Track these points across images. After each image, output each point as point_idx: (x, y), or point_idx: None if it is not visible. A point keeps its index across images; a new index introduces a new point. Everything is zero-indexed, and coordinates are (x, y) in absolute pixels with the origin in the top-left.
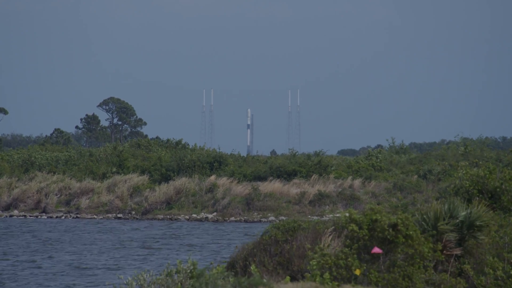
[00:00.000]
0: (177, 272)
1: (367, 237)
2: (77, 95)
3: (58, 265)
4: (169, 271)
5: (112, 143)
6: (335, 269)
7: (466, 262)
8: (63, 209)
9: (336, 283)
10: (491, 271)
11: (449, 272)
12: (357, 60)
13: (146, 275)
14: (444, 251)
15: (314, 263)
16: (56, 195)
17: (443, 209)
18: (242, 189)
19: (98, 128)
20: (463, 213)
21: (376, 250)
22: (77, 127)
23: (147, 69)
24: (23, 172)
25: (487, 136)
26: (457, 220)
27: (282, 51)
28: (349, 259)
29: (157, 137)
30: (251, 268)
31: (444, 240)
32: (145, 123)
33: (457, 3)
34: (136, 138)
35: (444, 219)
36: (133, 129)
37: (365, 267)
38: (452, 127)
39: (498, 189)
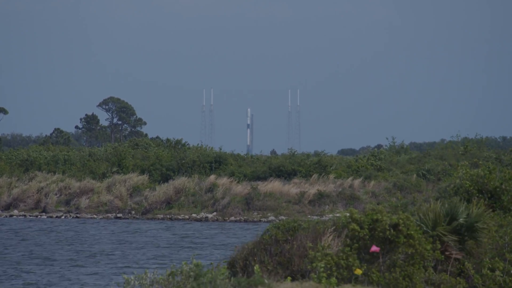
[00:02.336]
0: (180, 272)
1: (367, 237)
2: (77, 95)
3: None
4: (172, 271)
5: (113, 143)
6: (336, 269)
7: (466, 262)
8: (63, 208)
9: (339, 284)
10: (488, 272)
11: (448, 272)
12: (357, 60)
13: (149, 275)
14: (446, 253)
15: (321, 265)
16: (56, 195)
17: (443, 210)
18: (241, 189)
19: (98, 128)
20: (463, 216)
21: (374, 248)
22: (77, 127)
23: (147, 69)
24: (23, 172)
25: (486, 136)
26: (457, 223)
27: (282, 51)
28: (350, 259)
29: (157, 137)
30: (254, 268)
31: (445, 244)
32: (145, 123)
33: (457, 3)
34: (136, 137)
35: (444, 220)
36: (133, 129)
37: (365, 267)
38: (452, 127)
39: (498, 189)
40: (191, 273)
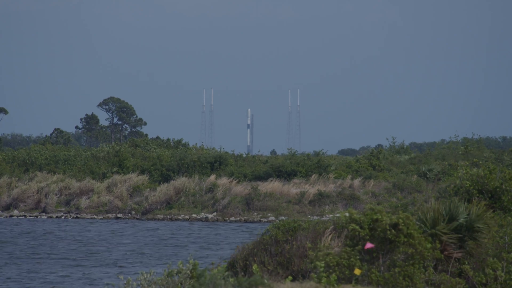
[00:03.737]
0: (178, 272)
1: (368, 237)
2: (77, 95)
3: None
4: (170, 271)
5: (113, 143)
6: (337, 269)
7: (466, 262)
8: (63, 209)
9: (340, 284)
10: (491, 271)
11: (449, 273)
12: (357, 60)
13: (147, 275)
14: (445, 252)
15: (321, 264)
16: (56, 195)
17: (443, 210)
18: (242, 189)
19: (98, 128)
20: (463, 216)
21: (369, 245)
22: (77, 127)
23: (147, 69)
24: (23, 172)
25: (486, 136)
26: (457, 222)
27: (283, 51)
28: (352, 259)
29: (157, 137)
30: (253, 268)
31: (444, 243)
32: (145, 123)
33: (457, 3)
34: (136, 138)
35: (443, 220)
36: (133, 129)
37: (365, 267)
38: (452, 127)
39: (498, 189)
40: (189, 273)
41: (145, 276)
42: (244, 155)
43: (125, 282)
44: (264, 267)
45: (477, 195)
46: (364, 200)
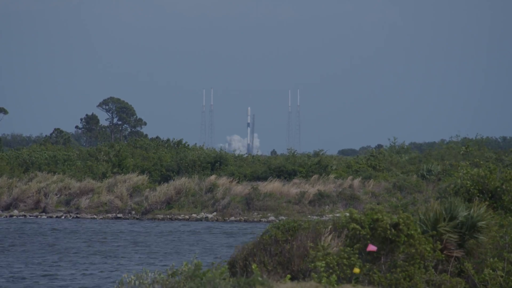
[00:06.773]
0: (180, 272)
1: (368, 237)
2: (77, 95)
3: None
4: (174, 271)
5: (110, 141)
6: (337, 269)
7: (466, 262)
8: (63, 209)
9: (340, 284)
10: (491, 271)
11: (449, 272)
12: (357, 60)
13: (150, 274)
14: (445, 252)
15: (322, 264)
16: (56, 195)
17: (443, 209)
18: (242, 189)
19: (98, 128)
20: (464, 214)
21: (371, 247)
22: (77, 127)
23: (147, 69)
24: (23, 172)
25: (486, 136)
26: (458, 221)
27: (283, 51)
28: (352, 259)
29: (157, 137)
30: (252, 267)
31: (444, 242)
32: (145, 123)
33: (457, 3)
34: (136, 137)
35: (444, 220)
36: (133, 129)
37: (367, 267)
38: (452, 127)
39: (498, 189)
40: (190, 273)
41: (148, 275)
42: (244, 155)
43: (128, 280)
44: (264, 267)
45: (478, 195)
46: (364, 200)
